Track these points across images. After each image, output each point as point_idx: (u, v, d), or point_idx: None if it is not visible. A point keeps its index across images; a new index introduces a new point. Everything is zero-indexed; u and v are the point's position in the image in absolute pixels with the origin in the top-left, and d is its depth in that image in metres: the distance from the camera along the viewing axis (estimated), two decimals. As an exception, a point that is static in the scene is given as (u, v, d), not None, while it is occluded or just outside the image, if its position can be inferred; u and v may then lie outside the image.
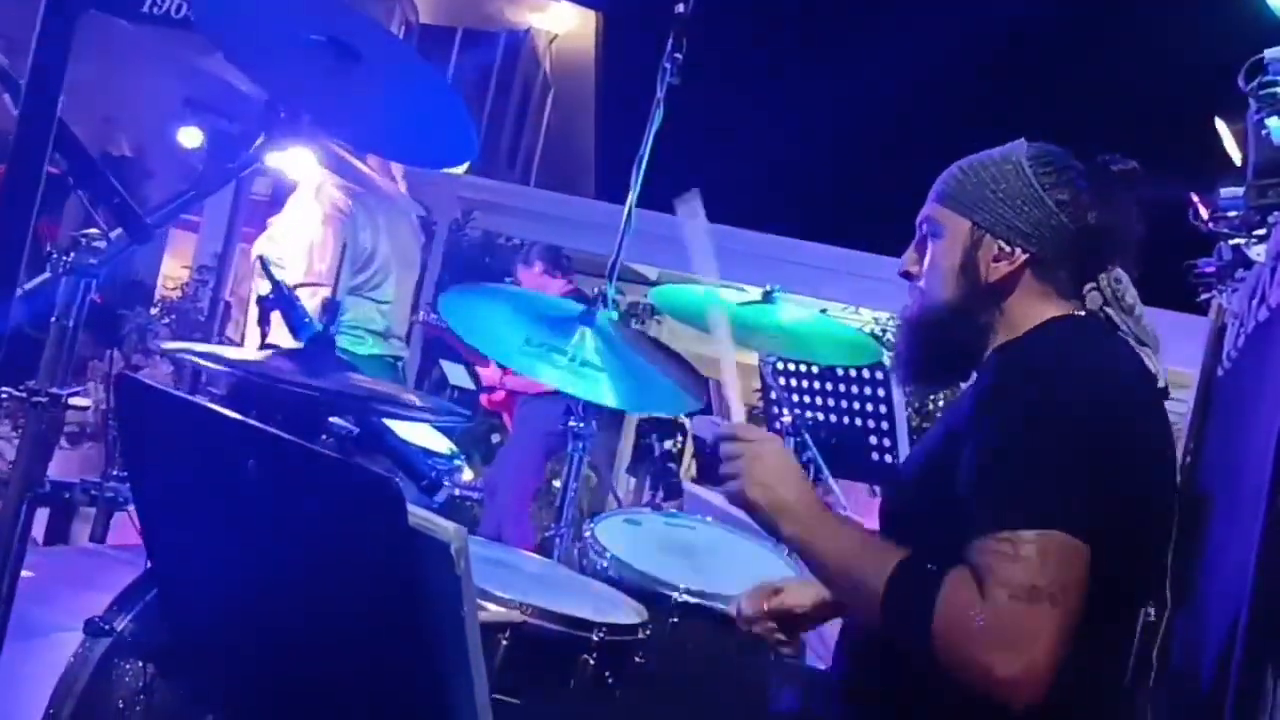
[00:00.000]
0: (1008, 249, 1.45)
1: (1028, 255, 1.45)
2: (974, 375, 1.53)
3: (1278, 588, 1.84)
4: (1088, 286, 1.49)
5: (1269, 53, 1.95)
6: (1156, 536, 1.41)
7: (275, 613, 1.08)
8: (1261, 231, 2.36)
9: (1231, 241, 2.49)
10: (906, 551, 1.32)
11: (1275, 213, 2.29)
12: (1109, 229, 1.46)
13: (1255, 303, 2.34)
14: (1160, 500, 1.40)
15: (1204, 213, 2.50)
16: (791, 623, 1.67)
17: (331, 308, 1.88)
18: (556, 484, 4.46)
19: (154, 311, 8.39)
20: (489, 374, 5.32)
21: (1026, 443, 1.30)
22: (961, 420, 1.41)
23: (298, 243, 3.04)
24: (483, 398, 5.53)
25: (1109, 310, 1.49)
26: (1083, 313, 1.48)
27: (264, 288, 2.04)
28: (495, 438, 7.19)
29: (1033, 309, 1.46)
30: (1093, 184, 1.46)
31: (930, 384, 1.67)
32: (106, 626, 1.81)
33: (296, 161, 3.05)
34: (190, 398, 1.19)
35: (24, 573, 1.51)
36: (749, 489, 1.38)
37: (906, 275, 1.56)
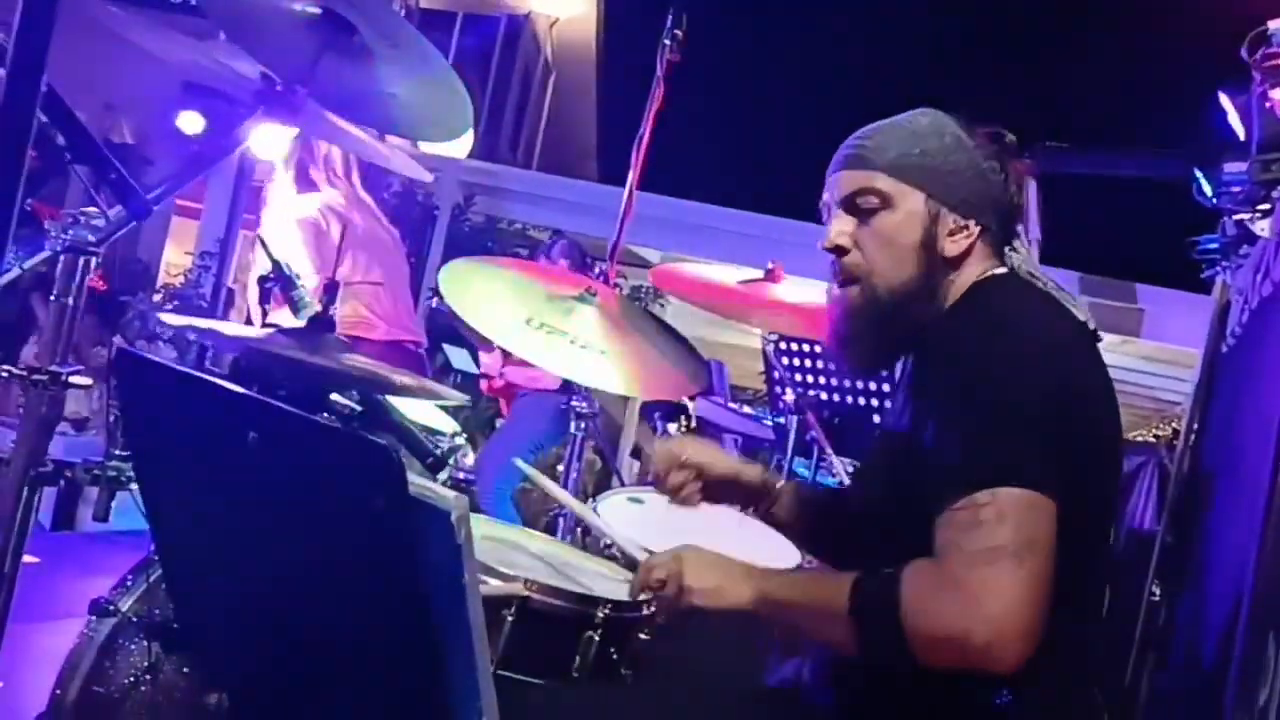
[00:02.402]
0: (963, 222, 1.46)
1: (980, 228, 1.47)
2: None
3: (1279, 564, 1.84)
4: (1006, 248, 1.51)
5: (1273, 24, 1.93)
6: (1108, 476, 1.41)
7: (278, 586, 1.09)
8: (1266, 206, 2.35)
9: (1235, 217, 2.48)
10: (859, 572, 1.33)
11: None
12: (1022, 196, 1.51)
13: (1259, 278, 2.34)
14: (1109, 438, 1.40)
15: (1208, 188, 2.49)
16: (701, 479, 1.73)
17: (330, 288, 1.87)
18: (559, 469, 4.45)
19: (157, 298, 8.40)
20: (490, 361, 5.30)
21: (972, 408, 1.29)
22: (915, 396, 1.43)
23: (282, 248, 3.08)
24: (482, 384, 5.52)
25: (1026, 266, 1.50)
26: (1003, 270, 1.49)
27: (264, 267, 2.05)
28: (500, 423, 7.18)
29: (970, 274, 1.48)
30: (998, 154, 1.49)
31: (887, 367, 1.65)
32: (112, 606, 1.81)
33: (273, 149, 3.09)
34: (189, 370, 1.19)
35: (30, 558, 1.51)
36: (696, 594, 1.41)
37: (838, 250, 1.49)
